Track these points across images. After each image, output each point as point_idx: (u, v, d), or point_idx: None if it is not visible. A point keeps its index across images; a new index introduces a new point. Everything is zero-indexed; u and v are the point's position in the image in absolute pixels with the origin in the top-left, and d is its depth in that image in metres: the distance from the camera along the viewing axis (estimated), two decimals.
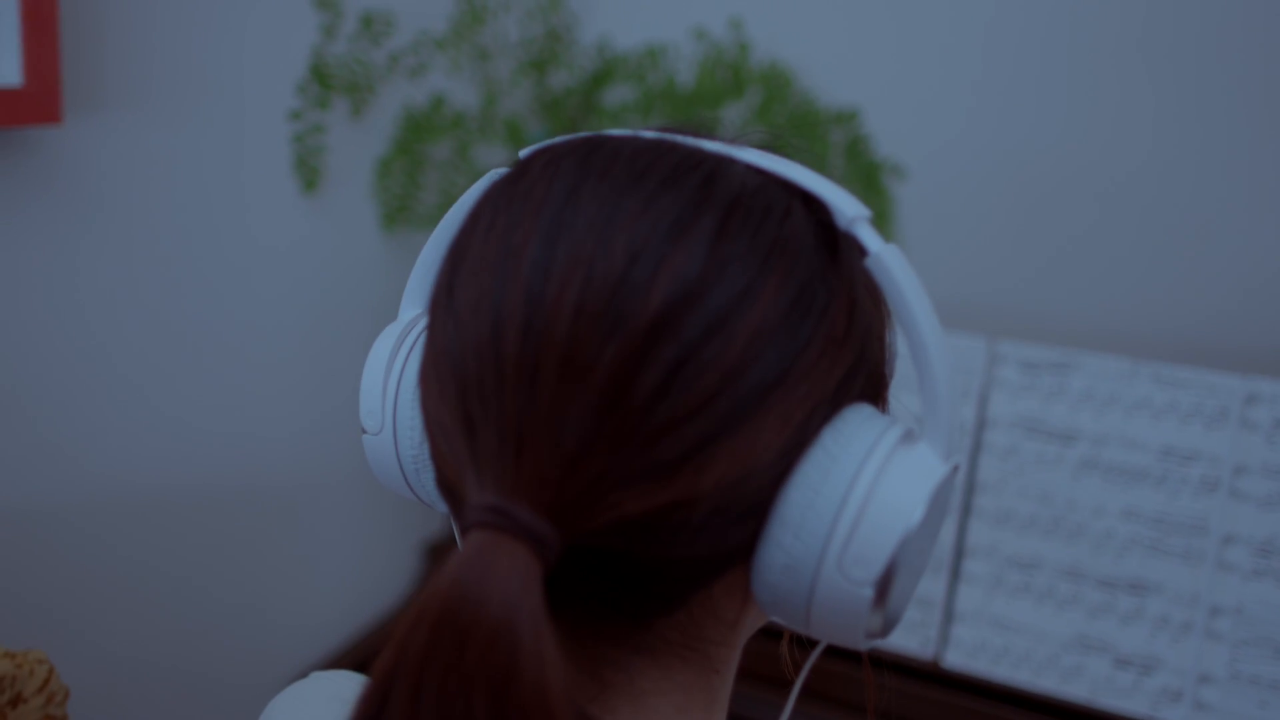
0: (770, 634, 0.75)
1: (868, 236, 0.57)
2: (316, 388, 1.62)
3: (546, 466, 0.50)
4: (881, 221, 1.66)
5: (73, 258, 1.31)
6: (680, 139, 0.58)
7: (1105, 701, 1.35)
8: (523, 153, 0.61)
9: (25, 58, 1.21)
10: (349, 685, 0.72)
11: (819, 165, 1.73)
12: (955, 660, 1.43)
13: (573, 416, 0.50)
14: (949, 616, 1.44)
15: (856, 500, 0.53)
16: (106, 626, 1.41)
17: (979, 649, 1.42)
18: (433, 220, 1.68)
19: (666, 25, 1.79)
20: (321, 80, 1.54)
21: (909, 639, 1.44)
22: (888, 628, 0.56)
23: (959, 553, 1.44)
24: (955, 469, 0.57)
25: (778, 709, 1.31)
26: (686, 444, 0.51)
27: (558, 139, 0.60)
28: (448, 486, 0.56)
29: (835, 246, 0.57)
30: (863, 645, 0.57)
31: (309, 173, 1.54)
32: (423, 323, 0.63)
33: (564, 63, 1.79)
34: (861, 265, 0.58)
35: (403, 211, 1.66)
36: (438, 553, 1.79)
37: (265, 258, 1.52)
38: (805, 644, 0.71)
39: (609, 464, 0.50)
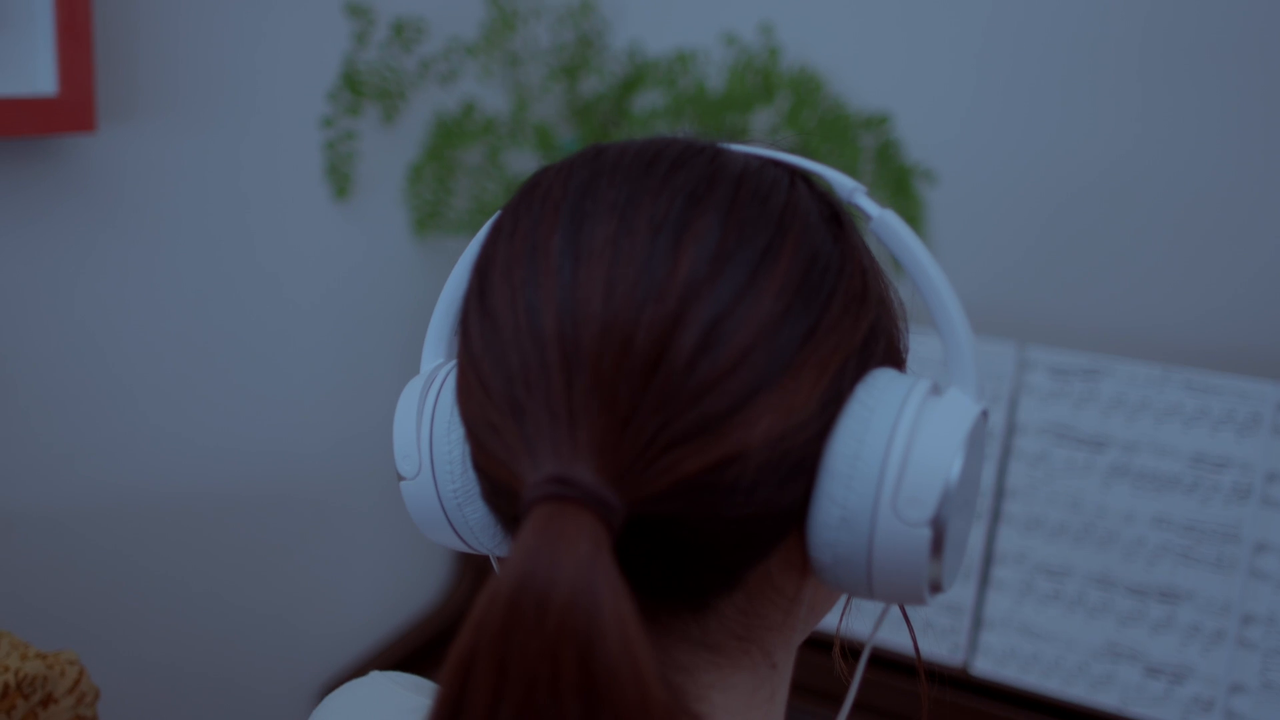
0: (816, 645, 0.75)
1: (868, 205, 0.61)
2: (348, 394, 1.63)
3: (601, 433, 0.51)
4: (913, 226, 1.65)
5: (106, 264, 1.32)
6: (675, 135, 0.61)
7: (1136, 710, 1.34)
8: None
9: (60, 67, 1.23)
10: (409, 683, 0.73)
11: (850, 169, 1.71)
12: (984, 667, 1.42)
13: (620, 383, 0.52)
14: (978, 623, 1.43)
15: (901, 444, 0.55)
16: (139, 632, 1.42)
17: (1008, 656, 1.41)
18: (463, 226, 1.69)
19: (697, 31, 1.79)
20: (353, 87, 1.55)
21: (938, 645, 1.44)
22: (946, 579, 0.58)
23: (988, 559, 1.43)
24: (985, 412, 0.59)
25: None
26: (732, 398, 0.52)
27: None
28: (500, 488, 0.56)
29: (838, 219, 0.60)
30: (926, 599, 0.58)
31: (340, 179, 1.56)
32: (448, 367, 0.65)
33: (594, 68, 1.80)
34: (862, 239, 0.61)
35: (434, 217, 1.67)
36: (469, 558, 1.80)
37: (297, 264, 1.53)
38: (854, 655, 0.71)
39: (660, 424, 0.51)
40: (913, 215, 1.66)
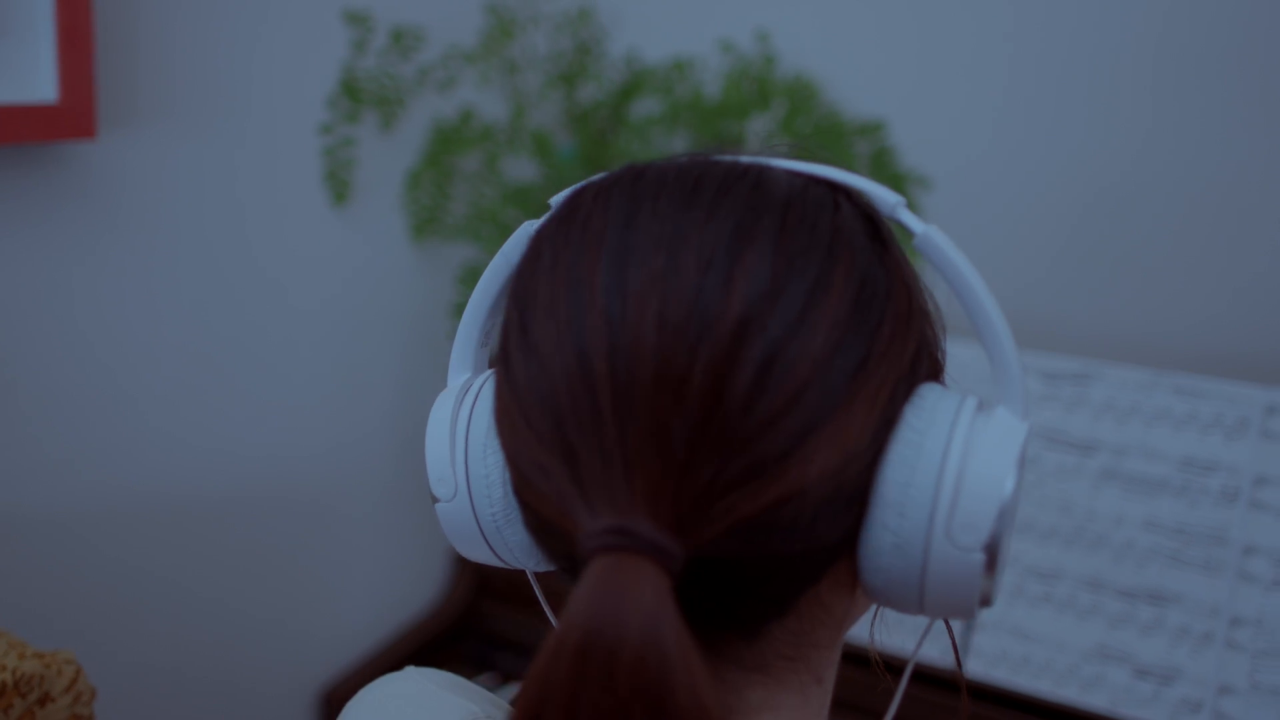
0: (853, 660, 0.75)
1: (910, 220, 0.61)
2: (347, 398, 1.65)
3: (659, 479, 0.51)
4: (906, 233, 1.66)
5: (106, 269, 1.34)
6: (715, 156, 0.61)
7: (1125, 711, 1.35)
8: (555, 199, 0.62)
9: (61, 75, 1.25)
10: (446, 681, 0.73)
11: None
12: (976, 669, 1.43)
13: (675, 427, 0.51)
14: (970, 625, 1.44)
15: (953, 470, 0.55)
16: (139, 634, 1.44)
17: (1000, 658, 1.42)
18: (461, 232, 1.71)
19: (694, 38, 1.81)
20: (351, 94, 1.57)
21: (929, 648, 1.45)
22: (996, 593, 0.58)
23: None
24: (1029, 430, 0.59)
25: None
26: (789, 437, 0.52)
27: (594, 177, 0.61)
28: (546, 526, 0.57)
29: (880, 235, 0.60)
30: (975, 615, 0.58)
31: (339, 185, 1.57)
32: (480, 380, 0.64)
33: (592, 75, 1.82)
34: (902, 252, 0.61)
35: (432, 223, 1.69)
36: (467, 562, 1.81)
37: (296, 269, 1.55)
38: (889, 669, 0.71)
39: (718, 467, 0.51)
40: None
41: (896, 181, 1.68)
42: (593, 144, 1.80)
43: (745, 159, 0.61)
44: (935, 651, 1.44)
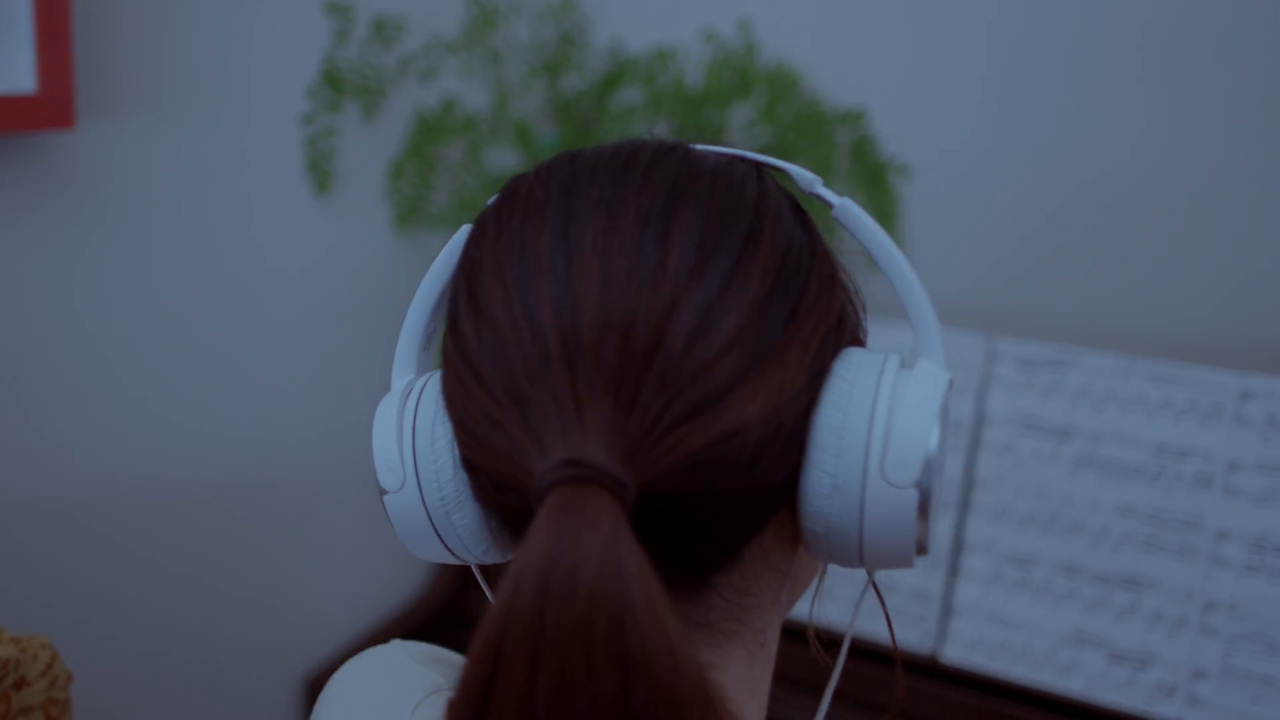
0: (789, 634, 0.77)
1: (827, 194, 0.66)
2: (331, 386, 1.65)
3: (610, 415, 0.54)
4: (887, 220, 1.67)
5: (86, 260, 1.35)
6: (644, 138, 0.65)
7: (1101, 696, 1.36)
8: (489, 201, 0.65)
9: (39, 65, 1.25)
10: (422, 654, 0.74)
11: (824, 164, 1.73)
12: (954, 655, 1.44)
13: (623, 369, 0.54)
14: (947, 611, 1.45)
15: (883, 412, 0.59)
16: (122, 619, 1.45)
17: (977, 643, 1.43)
18: (444, 221, 1.71)
19: (677, 28, 1.81)
20: (333, 84, 1.57)
21: (908, 633, 1.46)
22: (929, 540, 0.61)
23: (957, 548, 1.45)
24: (951, 381, 0.62)
25: (808, 711, 1.34)
26: (729, 376, 0.55)
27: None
28: (500, 485, 0.58)
29: (801, 209, 0.64)
30: (913, 563, 0.61)
31: (321, 175, 1.58)
32: (423, 380, 0.65)
33: (575, 66, 1.82)
34: (820, 234, 0.64)
35: (415, 213, 1.70)
36: None
37: (278, 258, 1.56)
38: (831, 644, 0.73)
39: (665, 404, 0.54)
40: (887, 210, 1.67)
41: (877, 170, 1.68)
42: (576, 134, 1.80)
43: (672, 141, 0.65)
44: (913, 637, 1.45)
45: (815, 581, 0.72)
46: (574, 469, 0.52)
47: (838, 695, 1.46)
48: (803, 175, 0.67)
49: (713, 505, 0.57)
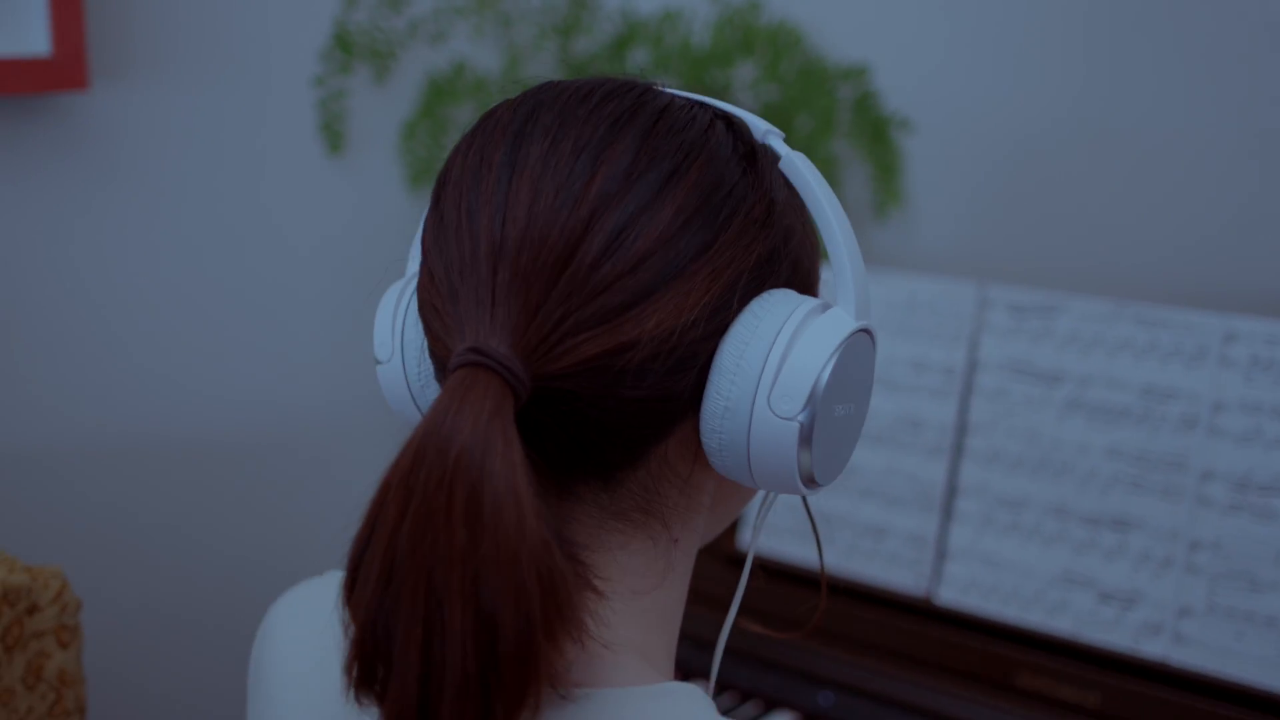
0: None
1: (777, 145, 0.70)
2: (343, 345, 1.70)
3: (516, 316, 0.61)
4: (889, 174, 1.70)
5: (100, 218, 1.41)
6: (622, 78, 0.71)
7: (1089, 635, 1.38)
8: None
9: (54, 27, 1.31)
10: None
11: (826, 120, 1.74)
12: (949, 597, 1.47)
13: (534, 277, 0.61)
14: (942, 554, 1.48)
15: (781, 346, 0.65)
16: (130, 571, 1.50)
17: (970, 585, 1.46)
18: None
19: None
20: (344, 47, 1.62)
21: (903, 576, 1.49)
22: (821, 474, 0.67)
23: (951, 492, 1.48)
24: (867, 331, 0.68)
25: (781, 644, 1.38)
26: (629, 295, 0.62)
27: None
28: (439, 365, 0.66)
29: (754, 158, 0.69)
30: (801, 490, 0.67)
31: (334, 136, 1.63)
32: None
33: (585, 28, 1.86)
34: (780, 177, 0.70)
35: (428, 173, 1.74)
36: None
37: (290, 218, 1.61)
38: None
39: (567, 312, 0.61)
40: (889, 164, 1.70)
41: (879, 125, 1.70)
42: None
43: (640, 82, 0.70)
44: (909, 580, 1.48)
45: (759, 502, 0.77)
46: (474, 355, 0.60)
47: (831, 637, 1.49)
48: (756, 124, 0.71)
49: (608, 408, 0.63)
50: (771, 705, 1.50)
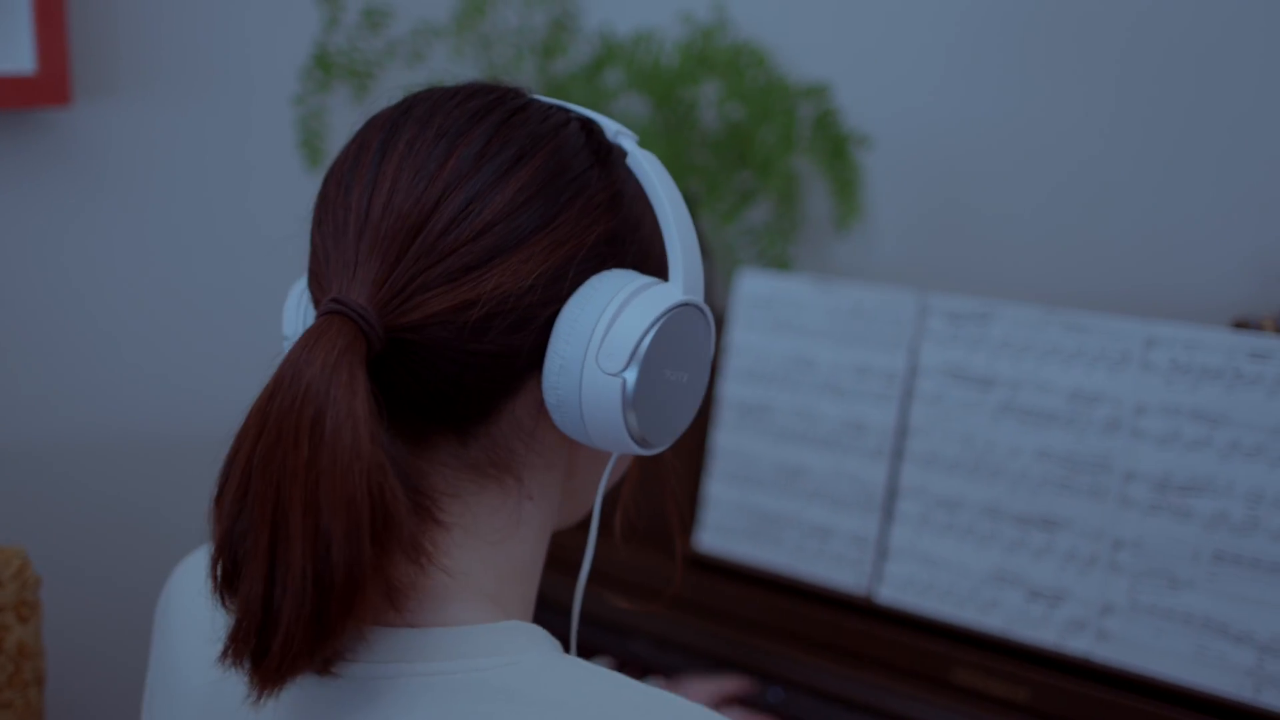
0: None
1: (626, 144, 0.81)
2: None
3: (374, 274, 0.71)
4: (848, 189, 1.75)
5: (83, 231, 1.49)
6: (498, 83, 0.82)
7: (1019, 633, 1.43)
8: None
9: (38, 45, 1.40)
10: None
11: (787, 136, 1.81)
12: (889, 595, 1.51)
13: (393, 240, 0.72)
14: (882, 554, 1.53)
15: (610, 312, 0.74)
16: (116, 565, 1.57)
17: (908, 584, 1.50)
18: None
19: (661, 11, 1.91)
20: (323, 67, 1.70)
21: (845, 575, 1.54)
22: (652, 436, 0.75)
23: (892, 493, 1.53)
24: (696, 306, 0.77)
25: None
26: (471, 259, 0.72)
27: None
28: None
29: (606, 154, 0.80)
30: (633, 448, 0.76)
31: (313, 152, 1.71)
32: None
33: (564, 49, 1.93)
34: (630, 176, 0.80)
35: None
36: None
37: (271, 231, 1.69)
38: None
39: (416, 271, 0.71)
40: (848, 179, 1.75)
41: (839, 142, 1.76)
42: None
43: (513, 86, 0.82)
44: (849, 579, 1.53)
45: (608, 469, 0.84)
46: (334, 304, 0.71)
47: (780, 634, 1.54)
48: (608, 125, 0.81)
49: (456, 359, 0.73)
50: (722, 700, 1.56)
